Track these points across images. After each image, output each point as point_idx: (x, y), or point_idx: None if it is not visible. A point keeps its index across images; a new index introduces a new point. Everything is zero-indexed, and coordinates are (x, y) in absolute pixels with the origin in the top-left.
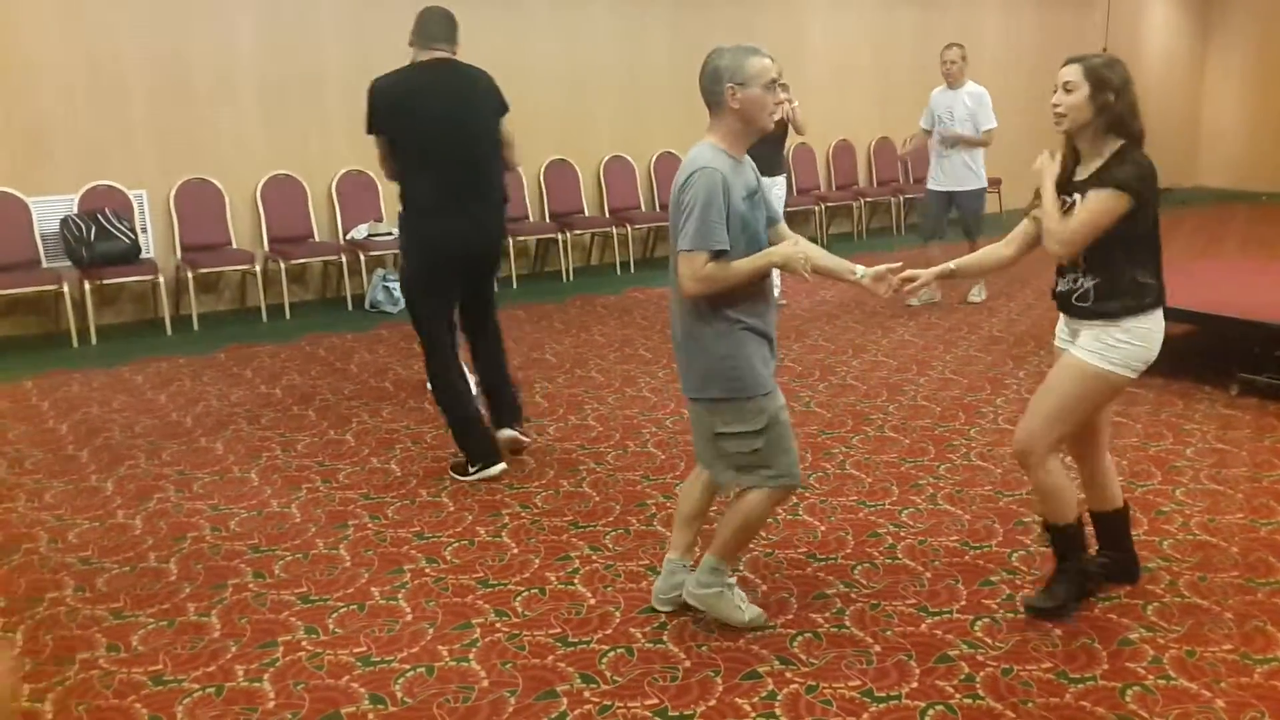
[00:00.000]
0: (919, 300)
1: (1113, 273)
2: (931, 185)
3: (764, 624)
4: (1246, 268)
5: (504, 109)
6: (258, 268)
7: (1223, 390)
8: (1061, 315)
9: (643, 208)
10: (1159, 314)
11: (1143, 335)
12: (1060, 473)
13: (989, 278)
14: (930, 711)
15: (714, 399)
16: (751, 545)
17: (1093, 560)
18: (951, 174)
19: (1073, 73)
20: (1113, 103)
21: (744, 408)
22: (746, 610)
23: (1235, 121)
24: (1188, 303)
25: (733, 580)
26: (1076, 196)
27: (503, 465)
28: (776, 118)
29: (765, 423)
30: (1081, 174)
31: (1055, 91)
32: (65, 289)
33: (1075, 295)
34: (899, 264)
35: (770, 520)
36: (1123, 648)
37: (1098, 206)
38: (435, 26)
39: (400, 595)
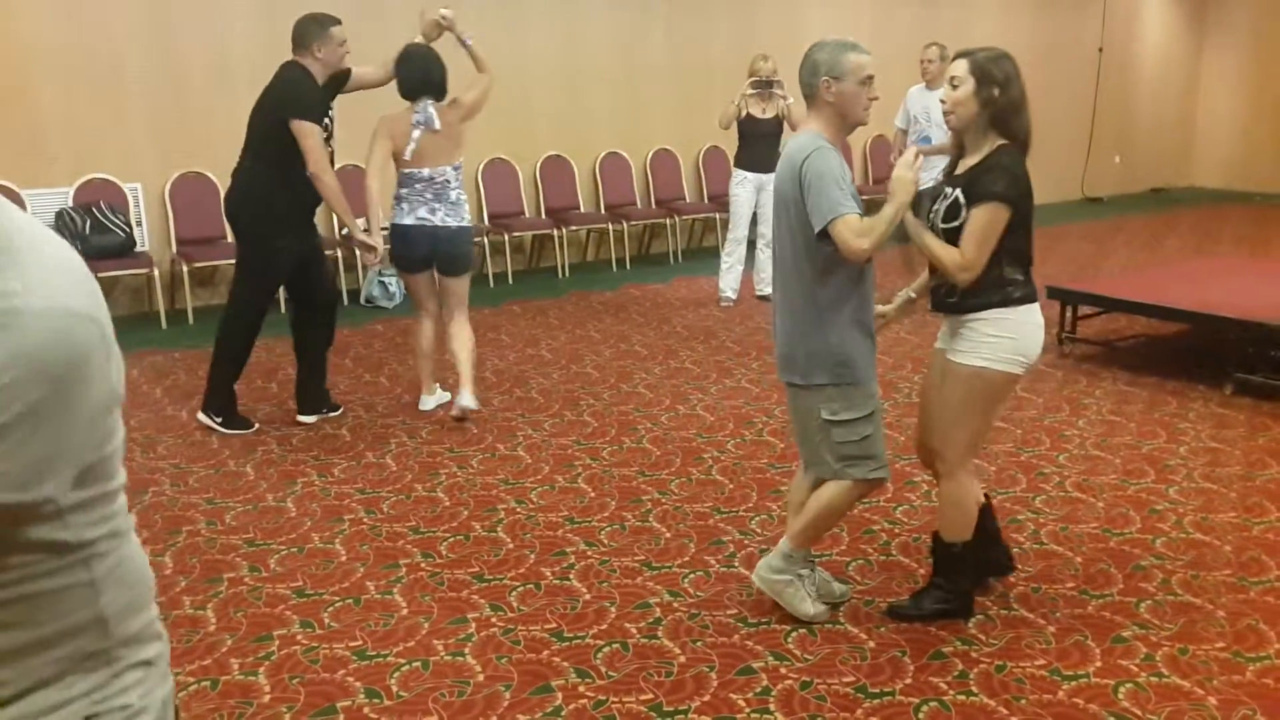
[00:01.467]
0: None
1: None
2: None
3: (824, 620)
4: (1240, 268)
5: (278, 103)
6: None
7: (1217, 389)
8: (944, 317)
9: (639, 204)
10: (1030, 309)
11: (1012, 329)
12: (970, 487)
13: None
14: (924, 708)
15: (823, 384)
16: (746, 542)
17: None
18: (931, 175)
19: (959, 67)
20: (996, 98)
21: (853, 394)
22: (813, 605)
23: (1230, 122)
24: (1182, 302)
25: (805, 571)
26: (953, 190)
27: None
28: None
29: (873, 408)
30: (960, 168)
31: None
32: None
33: (943, 291)
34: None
35: (765, 517)
36: (1116, 645)
37: (984, 222)
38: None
39: (395, 590)
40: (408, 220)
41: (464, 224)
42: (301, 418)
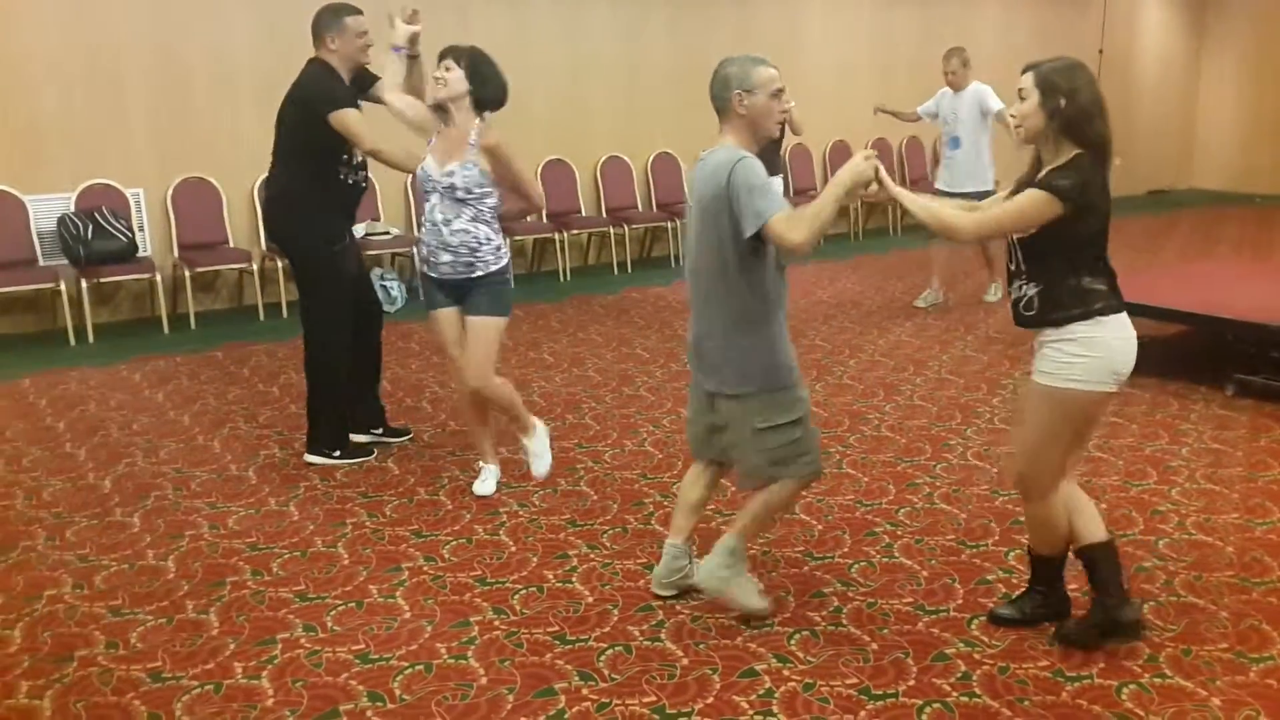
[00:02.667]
0: (924, 302)
1: (1053, 279)
2: (939, 186)
3: (767, 614)
4: (1241, 269)
5: (304, 101)
6: (255, 266)
7: (1218, 391)
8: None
9: (640, 208)
10: (1116, 320)
11: (1099, 345)
12: (1059, 508)
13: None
14: (927, 709)
15: (753, 392)
16: (749, 546)
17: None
18: (958, 176)
19: (1026, 80)
20: (1062, 108)
21: (782, 399)
22: (760, 599)
23: (1230, 123)
24: (1183, 303)
25: (744, 567)
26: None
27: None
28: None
29: (803, 412)
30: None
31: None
32: (62, 287)
33: (1021, 303)
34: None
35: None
36: (1119, 646)
37: (1026, 204)
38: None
39: (398, 593)
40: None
41: None
42: (356, 436)
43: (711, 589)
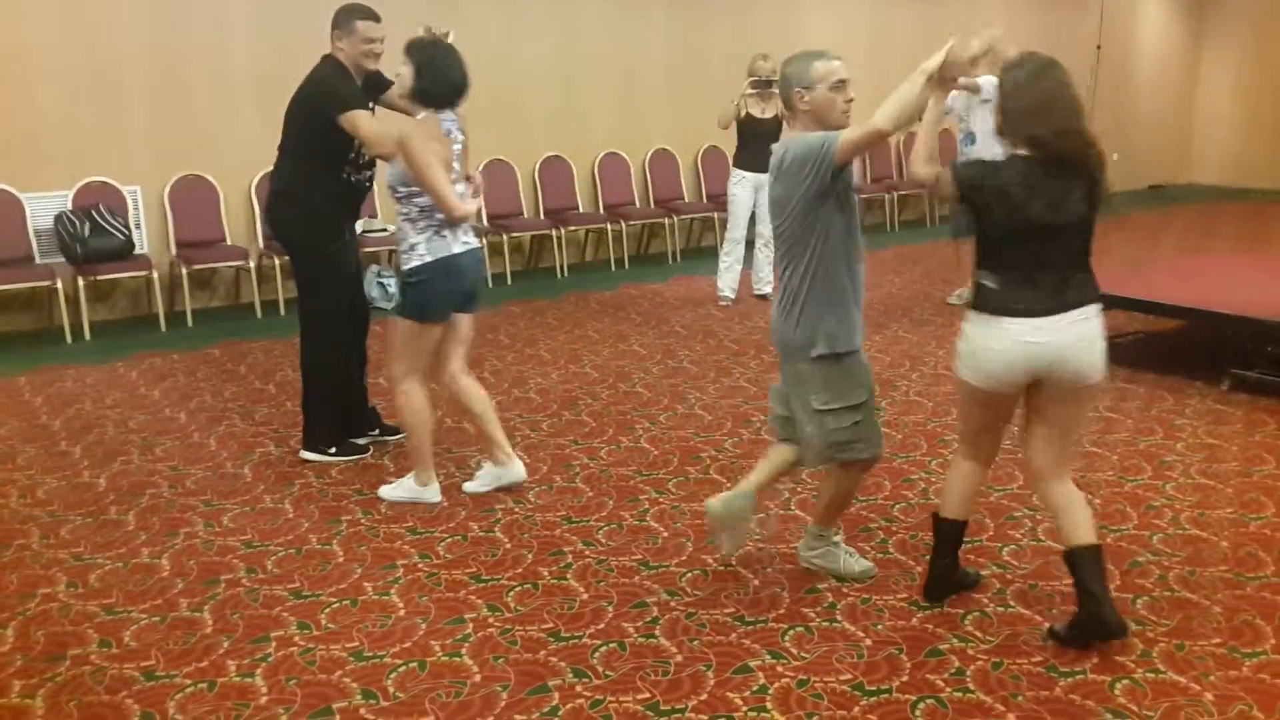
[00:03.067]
0: (958, 300)
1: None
2: None
3: (873, 575)
4: (1238, 264)
5: (313, 101)
6: (252, 264)
7: (1213, 385)
8: None
9: (637, 204)
10: (993, 323)
11: (968, 336)
12: (958, 477)
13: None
14: (921, 705)
15: (819, 357)
16: (747, 540)
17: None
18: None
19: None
20: (1003, 104)
21: (842, 376)
22: (857, 563)
23: (1228, 118)
24: (1179, 299)
25: (838, 539)
26: None
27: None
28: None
29: (862, 399)
30: None
31: None
32: (59, 285)
33: None
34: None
35: (762, 515)
36: (1112, 641)
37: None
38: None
39: (393, 590)
40: (458, 248)
41: None
42: (304, 453)
43: (813, 567)
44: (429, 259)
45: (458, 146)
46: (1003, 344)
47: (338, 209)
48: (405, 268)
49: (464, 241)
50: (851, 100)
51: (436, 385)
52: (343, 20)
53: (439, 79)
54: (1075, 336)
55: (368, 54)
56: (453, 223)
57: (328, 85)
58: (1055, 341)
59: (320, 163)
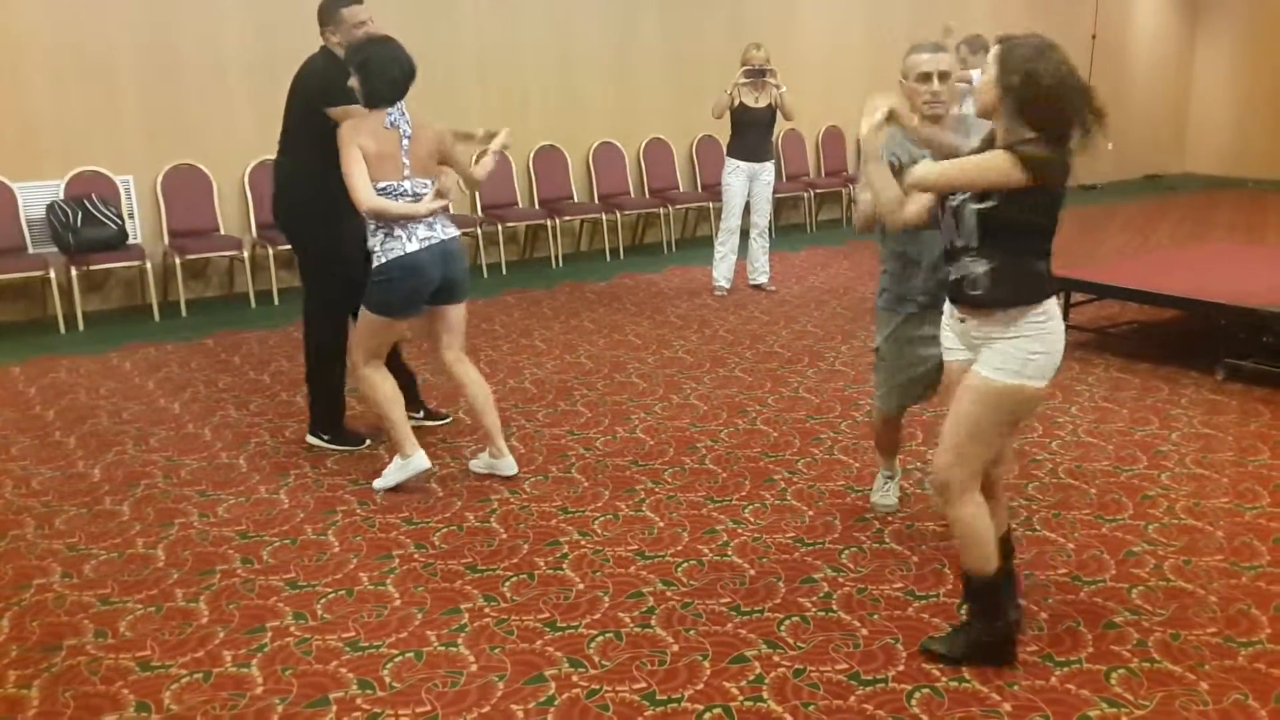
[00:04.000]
0: None
1: (1006, 258)
2: None
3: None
4: (1233, 253)
5: (305, 93)
6: (246, 253)
7: (1209, 375)
8: (948, 315)
9: (632, 194)
10: (1056, 311)
11: (1055, 333)
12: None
13: None
14: (917, 694)
15: None
16: (739, 531)
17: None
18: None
19: (991, 53)
20: (1015, 86)
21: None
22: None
23: (1223, 108)
24: (1175, 288)
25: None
26: None
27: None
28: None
29: (878, 345)
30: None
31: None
32: (52, 275)
33: (965, 281)
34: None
35: (759, 506)
36: (1107, 631)
37: (987, 161)
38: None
39: (389, 581)
40: (415, 246)
41: (458, 234)
42: (310, 438)
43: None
44: (384, 260)
45: (406, 141)
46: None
47: (338, 198)
48: (372, 266)
49: (423, 238)
50: (936, 92)
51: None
52: (328, 13)
53: (377, 80)
54: None
55: (364, 37)
56: (372, 217)
57: (318, 79)
58: None
59: (319, 153)
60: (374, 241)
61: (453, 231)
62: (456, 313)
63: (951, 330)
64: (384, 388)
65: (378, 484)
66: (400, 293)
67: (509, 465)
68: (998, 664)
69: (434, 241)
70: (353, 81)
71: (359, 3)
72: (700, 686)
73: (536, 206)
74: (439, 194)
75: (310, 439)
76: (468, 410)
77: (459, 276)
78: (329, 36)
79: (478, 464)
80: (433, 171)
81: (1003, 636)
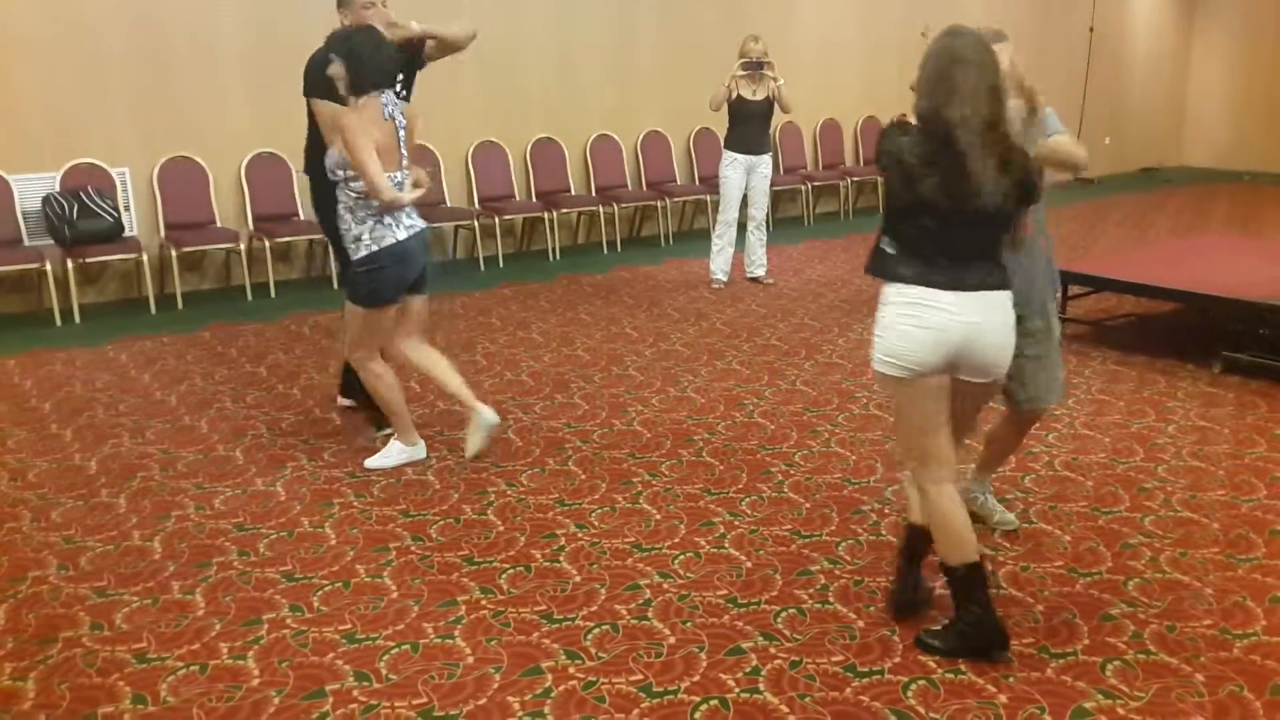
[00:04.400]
0: None
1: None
2: None
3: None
4: (1230, 246)
5: (311, 89)
6: (242, 246)
7: (1205, 368)
8: None
9: (630, 187)
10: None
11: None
12: (949, 501)
13: None
14: (913, 686)
15: None
16: (736, 524)
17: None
18: None
19: None
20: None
21: None
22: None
23: (1220, 100)
24: (1172, 281)
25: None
26: None
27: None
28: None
29: None
30: None
31: None
32: (48, 267)
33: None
34: None
35: (755, 498)
36: (1104, 623)
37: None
38: None
39: (385, 573)
40: (404, 234)
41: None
42: (343, 400)
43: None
44: (375, 248)
45: (402, 131)
46: (918, 321)
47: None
48: (354, 258)
49: (407, 226)
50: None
51: (389, 362)
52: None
53: (363, 66)
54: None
55: (376, 16)
56: (385, 209)
57: (314, 70)
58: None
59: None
60: (360, 230)
61: (423, 221)
62: (421, 303)
63: None
64: (386, 378)
65: (373, 463)
66: (391, 281)
67: (487, 413)
68: (992, 656)
69: (417, 230)
70: (335, 69)
71: None
72: (697, 678)
73: (534, 199)
74: (415, 184)
75: (342, 400)
76: (438, 392)
77: (426, 267)
78: (342, 19)
79: (472, 445)
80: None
81: (990, 623)
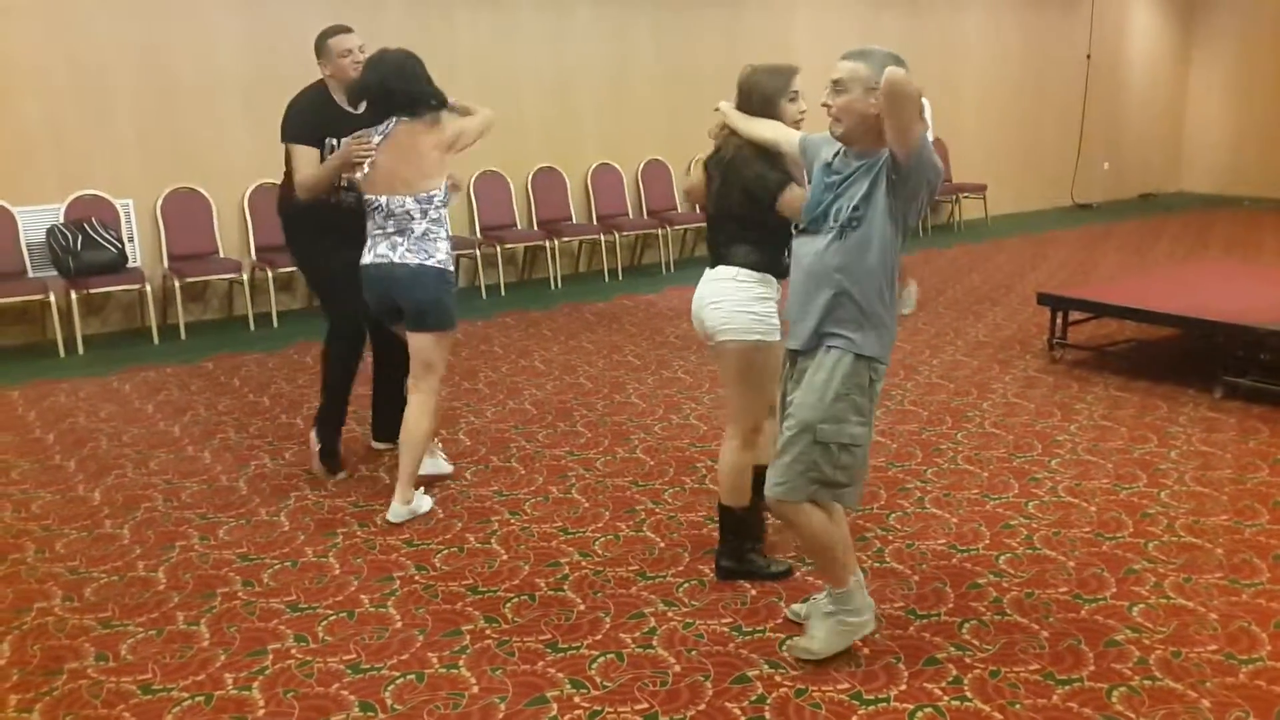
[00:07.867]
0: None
1: None
2: None
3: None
4: (1229, 271)
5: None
6: (245, 276)
7: (1207, 393)
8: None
9: (631, 215)
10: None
11: None
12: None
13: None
14: (919, 714)
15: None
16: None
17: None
18: None
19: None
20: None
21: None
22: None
23: (1219, 126)
24: (1172, 307)
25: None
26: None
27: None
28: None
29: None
30: None
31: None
32: (52, 298)
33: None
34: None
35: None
36: (1109, 649)
37: None
38: None
39: (390, 603)
40: (366, 259)
41: (428, 262)
42: (376, 444)
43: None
44: (451, 267)
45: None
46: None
47: (326, 228)
48: (445, 275)
49: (376, 254)
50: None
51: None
52: (319, 46)
53: (409, 84)
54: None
55: (352, 65)
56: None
57: (287, 113)
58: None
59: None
60: (440, 247)
61: (389, 257)
62: (413, 339)
63: None
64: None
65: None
66: (369, 297)
67: (419, 502)
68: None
69: (380, 262)
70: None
71: (347, 32)
72: (702, 707)
73: (535, 228)
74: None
75: (313, 435)
76: (442, 420)
77: (405, 303)
78: (322, 68)
79: (392, 511)
80: None
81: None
